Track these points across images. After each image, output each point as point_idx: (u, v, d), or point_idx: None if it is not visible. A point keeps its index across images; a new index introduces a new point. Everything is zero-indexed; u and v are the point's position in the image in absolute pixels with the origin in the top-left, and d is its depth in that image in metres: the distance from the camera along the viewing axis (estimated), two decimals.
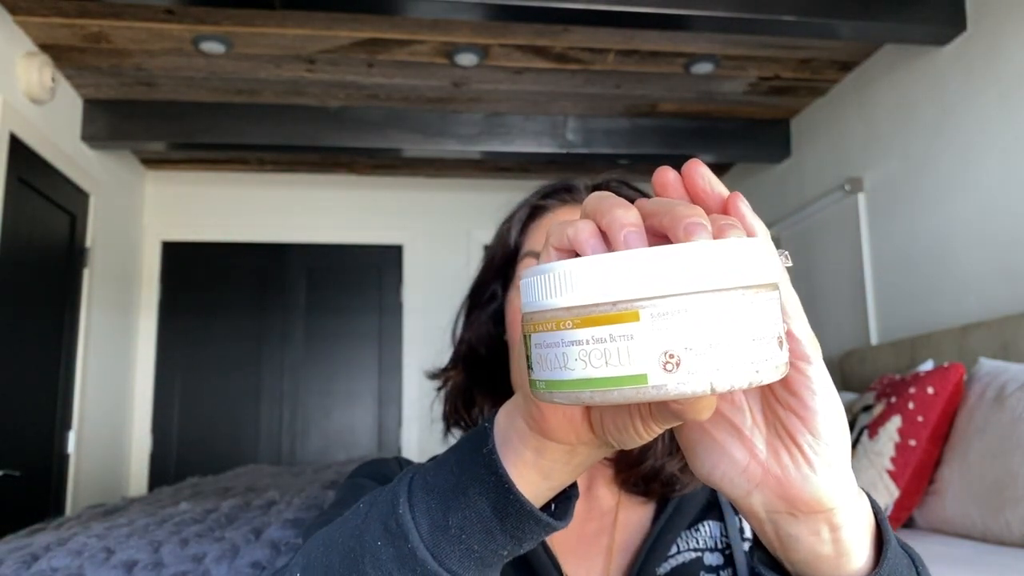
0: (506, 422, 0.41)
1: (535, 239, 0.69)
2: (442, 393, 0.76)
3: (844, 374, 3.12)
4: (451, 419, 0.75)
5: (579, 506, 0.68)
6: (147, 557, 0.89)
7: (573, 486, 0.44)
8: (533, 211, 0.71)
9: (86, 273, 3.40)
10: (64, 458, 3.23)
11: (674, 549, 0.64)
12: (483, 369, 0.74)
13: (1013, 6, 2.44)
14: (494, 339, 0.73)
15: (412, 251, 4.39)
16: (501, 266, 0.72)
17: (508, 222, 0.73)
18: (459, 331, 0.75)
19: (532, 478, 0.39)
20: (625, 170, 4.08)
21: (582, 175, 0.74)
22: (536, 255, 0.67)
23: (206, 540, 0.94)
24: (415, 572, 0.38)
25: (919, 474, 2.03)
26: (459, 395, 0.74)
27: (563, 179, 0.73)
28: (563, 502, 0.43)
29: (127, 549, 0.90)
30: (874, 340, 3.13)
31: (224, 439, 4.11)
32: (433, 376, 0.77)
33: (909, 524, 2.12)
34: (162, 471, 3.99)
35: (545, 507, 0.42)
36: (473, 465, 0.40)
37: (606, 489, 0.69)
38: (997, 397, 1.95)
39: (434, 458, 0.45)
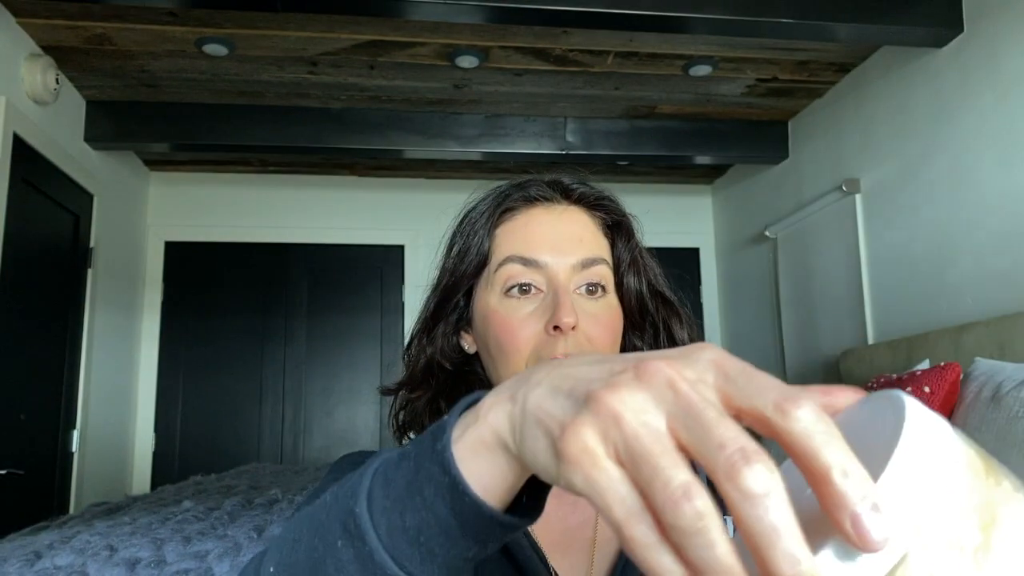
0: (494, 429, 0.34)
1: (509, 244, 0.69)
2: (398, 406, 0.74)
3: (841, 373, 3.13)
4: (408, 429, 0.74)
5: (563, 499, 0.66)
6: (150, 555, 0.90)
7: None
8: (498, 216, 0.71)
9: (90, 273, 3.42)
10: (68, 457, 3.25)
11: None
12: (447, 380, 0.73)
13: (1010, 8, 2.45)
14: (457, 350, 0.73)
15: (413, 251, 4.41)
16: (472, 275, 0.70)
17: (470, 232, 0.72)
18: (415, 345, 0.74)
19: (502, 482, 0.34)
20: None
21: (535, 174, 0.74)
22: (519, 259, 0.67)
23: (208, 538, 0.96)
24: (376, 575, 0.35)
25: None
26: (424, 407, 0.73)
27: (517, 180, 0.73)
28: (535, 492, 0.37)
29: (130, 547, 0.92)
30: (871, 339, 3.14)
31: (227, 438, 4.13)
32: (389, 392, 0.75)
33: None
34: (165, 469, 4.01)
35: (516, 499, 0.37)
36: (428, 461, 0.35)
37: None
38: (993, 396, 1.96)
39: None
